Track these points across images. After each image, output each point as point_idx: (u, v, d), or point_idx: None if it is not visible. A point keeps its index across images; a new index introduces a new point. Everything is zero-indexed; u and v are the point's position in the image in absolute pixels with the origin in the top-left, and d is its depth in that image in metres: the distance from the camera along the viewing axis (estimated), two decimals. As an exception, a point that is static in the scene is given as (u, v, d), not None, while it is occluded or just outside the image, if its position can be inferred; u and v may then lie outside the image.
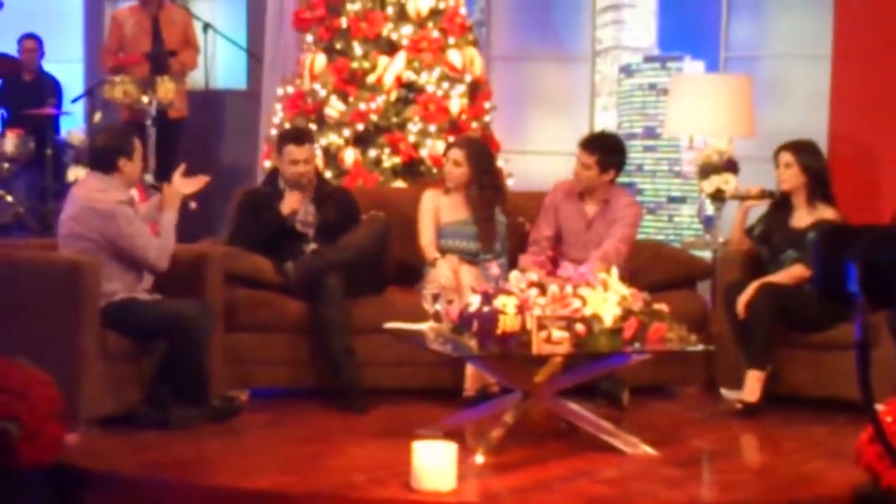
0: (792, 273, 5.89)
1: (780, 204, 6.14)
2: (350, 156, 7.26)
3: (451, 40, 7.59)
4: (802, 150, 6.07)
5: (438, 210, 6.31)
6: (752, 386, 5.80)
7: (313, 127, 7.39)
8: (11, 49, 9.65)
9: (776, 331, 5.85)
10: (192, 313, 5.34)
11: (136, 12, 8.88)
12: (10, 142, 8.77)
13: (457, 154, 6.29)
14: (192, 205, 5.69)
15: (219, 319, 5.59)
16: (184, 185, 5.69)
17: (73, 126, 9.41)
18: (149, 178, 5.84)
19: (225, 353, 5.73)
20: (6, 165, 8.80)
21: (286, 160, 6.05)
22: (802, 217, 6.04)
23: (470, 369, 5.77)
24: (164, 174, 8.34)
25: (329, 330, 5.75)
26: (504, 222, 6.34)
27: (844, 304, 3.75)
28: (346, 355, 5.76)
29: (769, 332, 5.83)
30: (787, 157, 6.07)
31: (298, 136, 6.15)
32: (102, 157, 5.46)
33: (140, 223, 5.40)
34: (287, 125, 7.52)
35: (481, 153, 6.42)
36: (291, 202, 6.02)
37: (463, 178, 6.28)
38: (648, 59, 9.34)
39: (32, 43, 9.74)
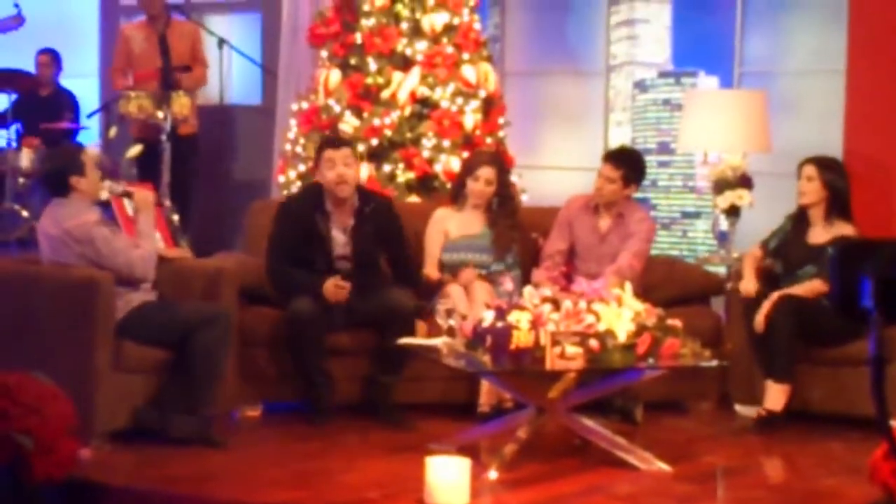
0: (811, 287, 5.87)
1: (797, 218, 6.13)
2: (364, 171, 7.27)
3: (466, 56, 7.59)
4: (827, 166, 6.08)
5: (447, 230, 6.31)
6: (777, 396, 5.79)
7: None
8: (30, 64, 9.69)
9: (796, 344, 5.83)
10: (215, 315, 5.36)
11: (143, 28, 8.89)
12: (26, 156, 8.80)
13: (489, 173, 6.28)
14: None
15: (233, 333, 5.59)
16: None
17: (89, 141, 9.43)
18: (112, 184, 5.78)
19: (238, 368, 5.73)
20: (21, 180, 8.83)
21: (325, 165, 5.90)
22: (819, 233, 6.03)
23: (485, 385, 5.77)
24: (179, 192, 8.41)
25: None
26: (517, 238, 6.34)
27: (859, 319, 3.76)
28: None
29: (791, 345, 5.81)
30: (810, 170, 6.07)
31: (334, 141, 6.13)
32: (55, 181, 5.44)
33: (119, 240, 5.36)
34: (302, 140, 7.54)
35: (504, 167, 6.52)
36: (333, 294, 5.77)
37: (492, 196, 6.29)
38: (663, 75, 9.33)
39: (48, 58, 9.78)
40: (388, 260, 6.08)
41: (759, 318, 5.84)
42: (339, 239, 5.94)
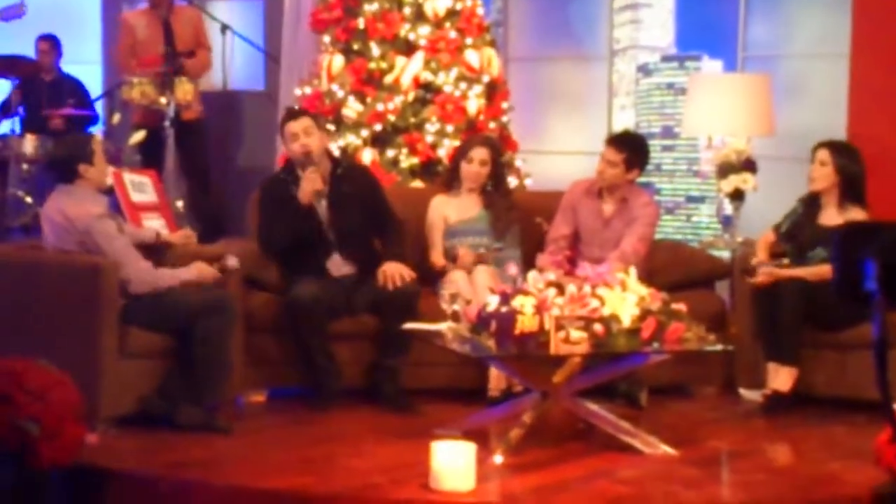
0: (818, 271, 5.85)
1: (809, 202, 6.12)
2: (368, 156, 7.27)
3: (469, 41, 7.59)
4: (841, 151, 6.06)
5: (446, 216, 6.33)
6: (784, 378, 5.79)
7: (331, 128, 7.40)
8: (30, 50, 9.67)
9: (803, 327, 5.83)
10: (219, 302, 5.36)
11: (146, 14, 8.88)
12: (30, 143, 8.79)
13: (484, 154, 6.32)
14: (233, 262, 5.62)
15: (238, 319, 5.59)
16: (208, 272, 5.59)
17: (92, 127, 9.43)
18: (164, 231, 5.93)
19: (243, 354, 5.74)
20: (25, 166, 8.82)
21: (288, 139, 5.99)
22: (832, 216, 6.01)
23: (494, 369, 5.77)
24: (191, 178, 8.43)
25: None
26: (516, 217, 6.35)
27: (863, 301, 3.76)
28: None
29: (798, 328, 5.81)
30: (824, 154, 6.04)
31: (292, 113, 6.14)
32: (63, 167, 5.45)
33: (121, 242, 5.35)
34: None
35: (498, 150, 6.56)
36: (308, 186, 5.88)
37: (487, 177, 6.31)
38: (666, 59, 9.31)
39: (47, 44, 9.75)
40: (374, 227, 6.08)
41: (767, 278, 5.84)
42: (320, 207, 5.98)
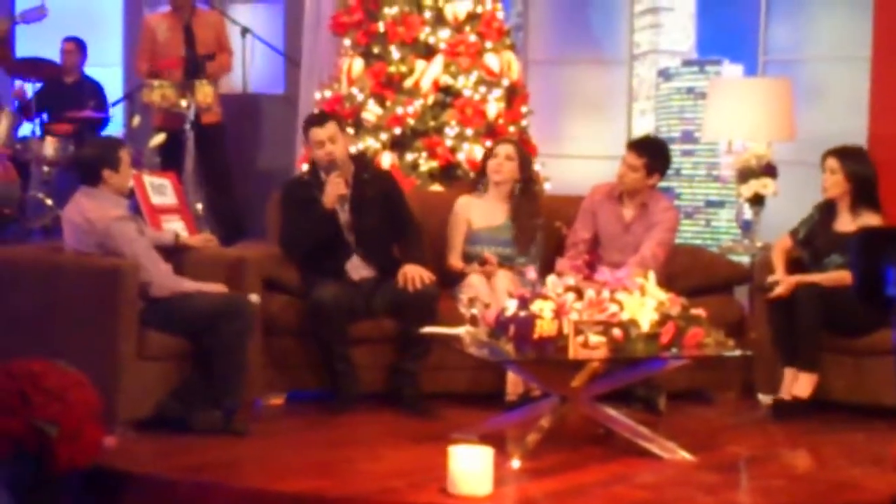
0: (836, 277, 5.84)
1: (825, 208, 6.11)
2: (387, 160, 7.27)
3: (489, 44, 7.58)
4: (848, 156, 6.04)
5: (470, 219, 6.31)
6: (804, 384, 5.78)
7: (351, 131, 7.41)
8: (54, 54, 9.71)
9: (821, 332, 5.82)
10: (237, 305, 5.37)
11: (168, 18, 8.91)
12: (51, 145, 8.82)
13: (508, 149, 6.32)
14: (254, 298, 5.59)
15: (257, 322, 5.60)
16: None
17: (112, 130, 9.46)
18: (184, 234, 5.99)
19: (262, 357, 5.74)
20: (46, 169, 8.84)
21: (312, 144, 6.01)
22: (846, 222, 6.00)
23: (511, 374, 5.76)
24: (210, 181, 8.46)
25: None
26: (541, 225, 6.34)
27: (883, 307, 3.74)
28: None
29: (816, 334, 5.80)
30: (832, 162, 6.04)
31: (318, 118, 6.14)
32: (87, 170, 5.47)
33: (141, 244, 5.37)
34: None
35: (524, 153, 6.51)
36: (333, 190, 5.91)
37: (513, 174, 6.28)
38: (687, 63, 9.30)
39: (73, 46, 9.79)
40: (394, 231, 6.08)
41: (783, 290, 5.84)
42: (342, 210, 5.99)
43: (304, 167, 7.63)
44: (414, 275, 5.82)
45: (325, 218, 5.93)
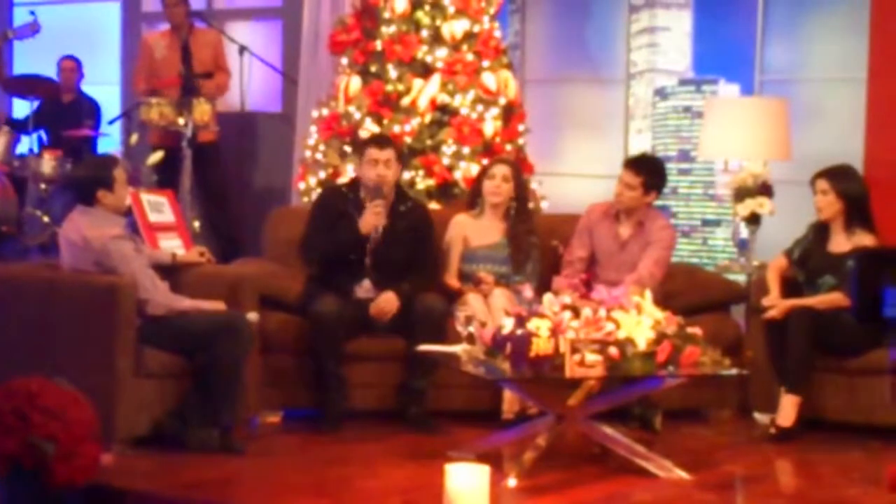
0: (829, 300, 5.87)
1: (819, 228, 6.12)
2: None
3: (486, 63, 7.60)
4: (838, 176, 6.05)
5: (467, 237, 6.32)
6: (788, 411, 5.78)
7: (348, 149, 7.42)
8: (50, 71, 9.73)
9: (812, 356, 5.82)
10: (235, 322, 5.37)
11: (166, 36, 8.95)
12: (48, 163, 8.83)
13: (504, 170, 6.32)
14: (253, 317, 5.57)
15: (254, 340, 5.59)
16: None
17: (110, 148, 9.47)
18: (181, 252, 6.01)
19: (259, 375, 5.74)
20: (43, 186, 8.85)
21: (367, 162, 5.98)
22: (840, 242, 6.02)
23: (508, 392, 5.77)
24: (207, 199, 8.47)
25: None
26: (536, 244, 6.34)
27: (881, 328, 3.75)
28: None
29: (806, 357, 5.80)
30: (823, 184, 6.05)
31: (380, 140, 6.17)
32: (81, 190, 5.47)
33: (138, 262, 5.37)
34: (322, 147, 7.55)
35: (520, 172, 6.52)
36: (372, 219, 5.90)
37: (510, 195, 6.29)
38: (683, 82, 9.32)
39: (71, 63, 9.82)
40: (413, 264, 6.04)
41: (777, 313, 5.85)
42: (372, 235, 5.96)
43: (300, 185, 7.68)
44: (384, 308, 5.87)
45: (355, 240, 5.92)
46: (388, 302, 5.87)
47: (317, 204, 6.24)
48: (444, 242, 6.34)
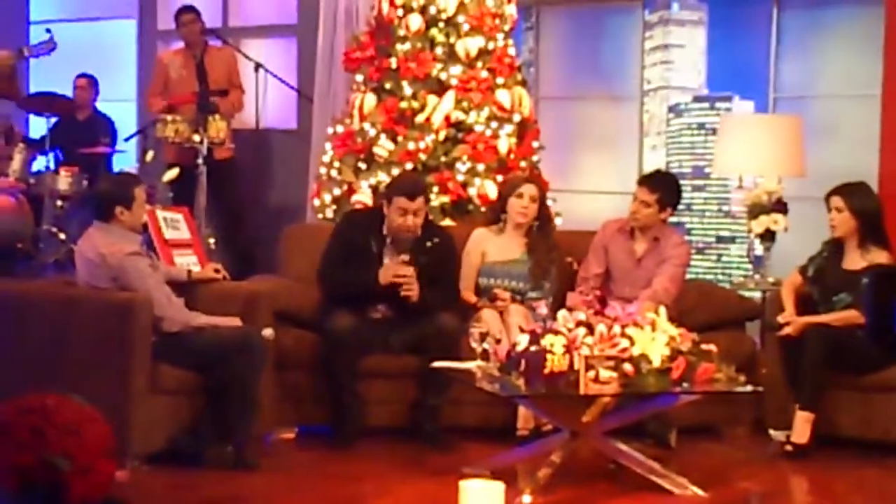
0: (844, 317, 5.86)
1: (834, 245, 6.11)
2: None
3: (500, 80, 7.61)
4: (852, 193, 6.05)
5: (485, 252, 6.32)
6: (802, 427, 5.77)
7: (363, 166, 7.44)
8: (67, 89, 9.78)
9: (827, 374, 5.81)
10: (250, 339, 5.37)
11: (181, 54, 9.00)
12: (64, 180, 8.87)
13: (532, 190, 6.31)
14: (268, 332, 5.56)
15: (269, 357, 5.60)
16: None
17: (125, 165, 9.51)
18: (196, 268, 6.01)
19: (273, 391, 5.75)
20: (59, 203, 8.89)
21: (395, 210, 5.86)
22: (855, 260, 6.01)
23: (522, 408, 5.76)
24: (223, 216, 8.50)
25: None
26: (556, 260, 6.34)
27: (895, 345, 3.73)
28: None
29: (821, 375, 5.79)
30: (837, 201, 6.04)
31: (412, 190, 5.93)
32: (100, 205, 5.49)
33: (154, 280, 5.38)
34: (336, 164, 7.56)
35: (543, 191, 6.51)
36: (390, 273, 5.84)
37: (535, 215, 6.29)
38: (697, 99, 9.34)
39: (86, 81, 9.87)
40: (434, 290, 5.96)
41: (792, 330, 5.84)
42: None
43: (315, 202, 7.67)
44: (398, 271, 5.82)
45: (371, 288, 5.87)
46: (401, 268, 5.83)
47: (337, 232, 6.13)
48: (461, 257, 6.32)
